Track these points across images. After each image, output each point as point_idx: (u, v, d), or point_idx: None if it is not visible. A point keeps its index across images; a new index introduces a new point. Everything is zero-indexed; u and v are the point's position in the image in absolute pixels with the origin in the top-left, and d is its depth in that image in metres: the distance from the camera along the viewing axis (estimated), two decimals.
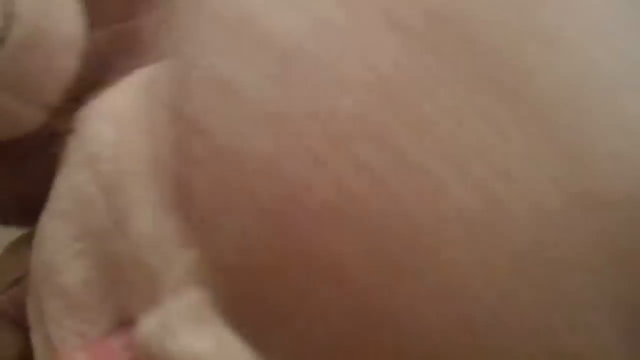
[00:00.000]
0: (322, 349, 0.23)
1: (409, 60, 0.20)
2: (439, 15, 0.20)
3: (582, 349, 0.21)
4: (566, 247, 0.21)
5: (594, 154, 0.22)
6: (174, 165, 0.26)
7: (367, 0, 0.21)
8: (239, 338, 0.27)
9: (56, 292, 0.36)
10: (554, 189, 0.21)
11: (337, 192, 0.21)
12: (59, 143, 0.38)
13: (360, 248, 0.21)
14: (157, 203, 0.32)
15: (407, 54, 0.20)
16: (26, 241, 0.43)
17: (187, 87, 0.24)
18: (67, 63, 0.36)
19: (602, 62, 0.23)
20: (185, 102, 0.24)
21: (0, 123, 0.36)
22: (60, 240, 0.36)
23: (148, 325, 0.31)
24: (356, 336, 0.22)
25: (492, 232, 0.21)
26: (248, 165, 0.22)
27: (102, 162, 0.35)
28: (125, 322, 0.36)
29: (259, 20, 0.21)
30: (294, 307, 0.24)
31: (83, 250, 0.35)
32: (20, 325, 0.39)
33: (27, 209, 0.41)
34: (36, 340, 0.38)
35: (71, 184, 0.37)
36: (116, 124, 0.36)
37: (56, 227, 0.37)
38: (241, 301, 0.26)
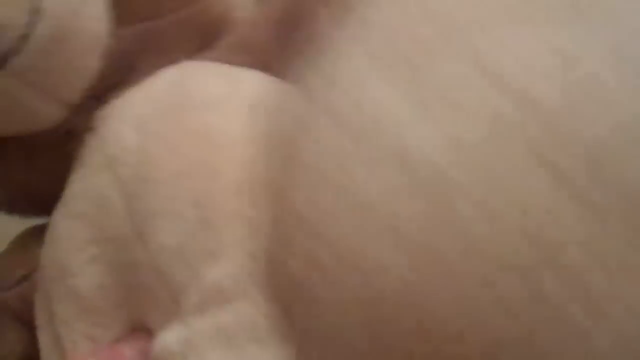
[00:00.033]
0: None
1: (565, 212, 0.19)
2: (600, 165, 0.19)
3: None
4: None
5: None
6: (262, 233, 0.25)
7: (513, 131, 0.20)
8: None
9: (69, 295, 0.36)
10: None
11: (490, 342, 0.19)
12: (76, 140, 0.37)
13: None
14: (187, 219, 0.32)
15: (564, 205, 0.19)
16: (34, 236, 0.43)
17: (298, 178, 0.23)
18: (90, 61, 0.35)
19: None
20: (294, 193, 0.23)
21: (19, 118, 0.35)
22: (75, 242, 0.36)
23: (169, 339, 0.31)
24: None
25: None
26: (376, 282, 0.20)
27: (123, 167, 0.35)
28: (136, 328, 0.35)
29: (390, 129, 0.20)
30: None
31: (99, 255, 0.35)
32: (26, 322, 0.39)
33: (35, 201, 0.41)
34: (44, 339, 0.37)
35: (89, 185, 0.36)
36: (139, 129, 0.35)
37: (71, 228, 0.36)
38: None
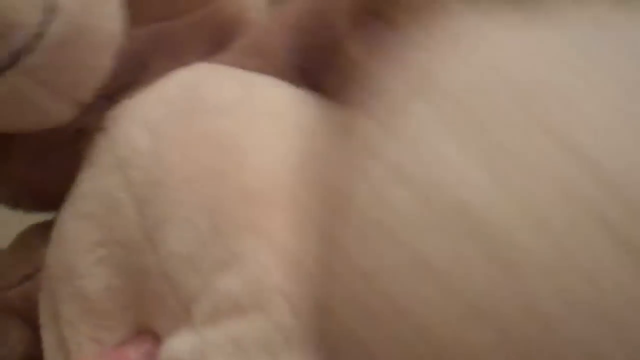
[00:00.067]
0: None
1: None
2: None
3: None
4: None
5: None
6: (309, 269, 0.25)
7: (587, 204, 0.19)
8: None
9: (75, 296, 0.35)
10: None
11: None
12: (85, 139, 0.37)
13: None
14: (198, 226, 0.31)
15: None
16: (37, 234, 0.42)
17: (354, 228, 0.22)
18: (103, 60, 0.34)
19: None
20: (349, 243, 0.22)
21: (29, 115, 0.35)
22: (83, 243, 0.35)
23: (179, 347, 0.31)
24: None
25: None
26: (444, 354, 0.20)
27: (134, 169, 0.35)
28: (142, 331, 0.35)
29: (460, 192, 0.20)
30: None
31: (107, 257, 0.35)
32: (30, 321, 0.39)
33: (40, 198, 0.41)
34: (48, 340, 0.37)
35: (98, 186, 0.36)
36: (151, 133, 0.35)
37: (79, 228, 0.36)
38: None
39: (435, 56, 0.23)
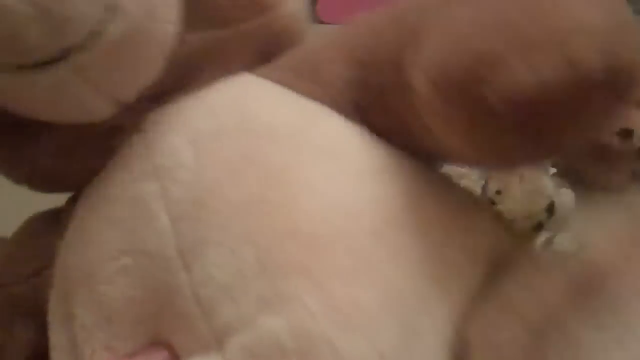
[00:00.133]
0: None
1: None
2: None
3: None
4: None
5: None
6: None
7: None
8: None
9: (93, 302, 0.35)
10: None
11: None
12: (118, 138, 0.36)
13: None
14: (242, 257, 0.31)
15: None
16: (41, 224, 0.41)
17: None
18: (154, 63, 0.33)
19: None
20: None
21: (68, 109, 0.33)
22: (107, 249, 0.34)
23: None
24: None
25: None
26: None
27: (174, 182, 0.34)
28: (155, 343, 0.35)
29: None
30: None
31: (131, 267, 0.34)
32: (36, 318, 0.37)
33: (55, 183, 0.39)
34: (58, 341, 0.36)
35: (131, 192, 0.35)
36: (195, 146, 0.34)
37: (105, 233, 0.35)
38: None
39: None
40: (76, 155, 0.36)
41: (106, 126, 0.34)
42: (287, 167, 0.33)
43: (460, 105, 0.27)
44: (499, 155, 0.29)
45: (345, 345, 0.29)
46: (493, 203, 0.58)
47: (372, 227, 0.31)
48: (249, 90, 0.36)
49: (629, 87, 0.26)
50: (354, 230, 0.31)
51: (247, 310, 0.30)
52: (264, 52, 0.38)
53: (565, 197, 0.61)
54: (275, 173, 0.33)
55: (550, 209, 0.59)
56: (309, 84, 0.36)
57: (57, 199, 0.41)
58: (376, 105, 0.34)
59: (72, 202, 0.39)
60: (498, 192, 0.58)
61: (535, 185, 0.60)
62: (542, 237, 0.59)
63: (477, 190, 0.58)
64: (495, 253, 0.34)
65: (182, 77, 0.35)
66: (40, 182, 0.39)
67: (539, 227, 0.59)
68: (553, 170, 0.63)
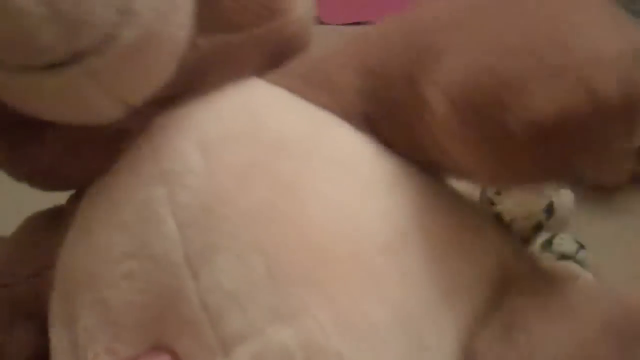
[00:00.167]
0: None
1: None
2: None
3: None
4: None
5: None
6: None
7: None
8: None
9: (96, 305, 0.34)
10: None
11: None
12: (124, 140, 0.36)
13: None
14: (252, 265, 0.31)
15: None
16: (41, 224, 0.41)
17: None
18: (166, 67, 0.33)
19: None
20: None
21: (76, 110, 0.33)
22: (112, 252, 0.34)
23: None
24: None
25: None
26: None
27: (182, 188, 0.34)
28: (157, 347, 0.35)
29: None
30: None
31: (137, 271, 0.34)
32: (36, 320, 0.38)
33: (57, 181, 0.39)
34: (59, 342, 0.36)
35: (138, 196, 0.34)
36: (204, 152, 0.34)
37: (110, 236, 0.35)
38: None
39: None
40: (81, 155, 0.36)
41: (113, 128, 0.34)
42: (297, 177, 0.33)
43: (478, 127, 0.27)
44: (513, 176, 0.29)
45: (354, 359, 0.29)
46: (492, 203, 0.59)
47: (382, 241, 0.32)
48: (259, 96, 0.36)
49: None
50: (365, 244, 0.31)
51: (256, 320, 0.30)
52: (274, 57, 0.37)
53: (565, 197, 0.61)
54: (285, 182, 0.32)
55: (550, 209, 0.60)
56: (319, 92, 0.36)
57: (57, 198, 0.40)
58: (387, 117, 0.34)
59: (74, 200, 0.39)
60: (497, 193, 0.59)
61: None
62: (541, 238, 0.59)
63: (477, 190, 0.58)
64: (500, 269, 0.34)
65: (191, 81, 0.35)
66: (43, 181, 0.39)
67: (538, 227, 0.60)
68: None
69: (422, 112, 0.31)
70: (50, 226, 0.40)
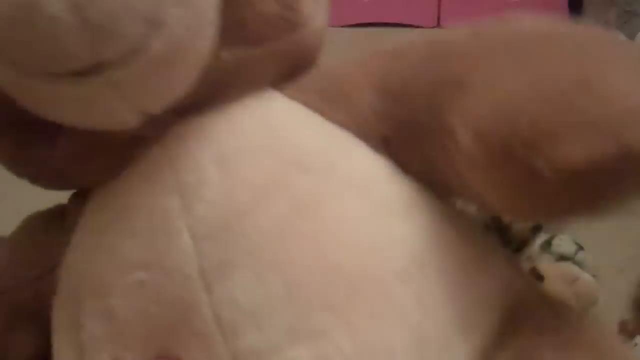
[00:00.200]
0: None
1: None
2: None
3: None
4: None
5: None
6: None
7: None
8: None
9: (104, 313, 0.34)
10: None
11: None
12: (138, 147, 0.35)
13: None
14: (269, 283, 0.31)
15: None
16: (42, 225, 0.41)
17: None
18: (188, 78, 0.33)
19: None
20: None
21: (94, 116, 0.32)
22: (122, 261, 0.34)
23: None
24: None
25: None
26: None
27: (199, 200, 0.34)
28: (163, 355, 0.35)
29: None
30: None
31: (147, 282, 0.34)
32: (37, 321, 0.38)
33: (63, 182, 0.38)
34: (63, 348, 0.36)
35: (152, 205, 0.34)
36: (221, 165, 0.34)
37: (120, 244, 0.35)
38: None
39: None
40: (92, 160, 0.36)
41: (128, 135, 0.34)
42: (316, 196, 0.33)
43: (505, 165, 0.28)
44: (535, 213, 0.31)
45: None
46: None
47: (400, 266, 0.32)
48: (277, 111, 0.36)
49: None
50: (383, 270, 0.32)
51: (274, 339, 0.31)
52: (289, 68, 0.38)
53: None
54: (304, 200, 0.33)
55: None
56: (336, 109, 0.36)
57: (57, 197, 0.40)
58: (405, 139, 0.35)
59: (76, 200, 0.39)
60: None
61: None
62: (540, 239, 0.60)
63: None
64: (509, 295, 0.35)
65: (211, 92, 0.35)
66: (48, 180, 0.38)
67: (537, 228, 0.60)
68: None
69: (444, 140, 0.31)
70: (52, 227, 0.39)
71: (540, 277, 0.54)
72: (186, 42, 0.31)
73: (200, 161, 0.34)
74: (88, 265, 0.35)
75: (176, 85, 0.33)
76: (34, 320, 0.38)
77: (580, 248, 0.59)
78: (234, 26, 0.34)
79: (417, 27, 1.69)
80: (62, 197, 0.40)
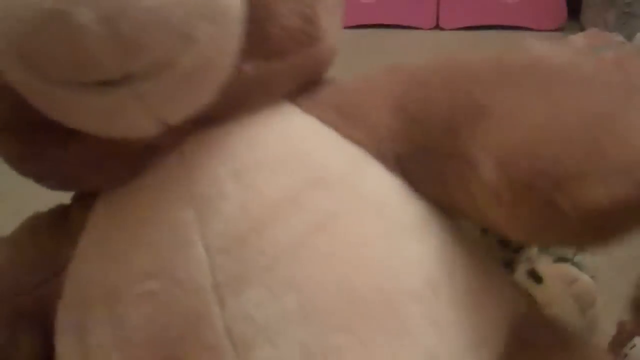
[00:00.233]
0: None
1: None
2: None
3: None
4: None
5: None
6: None
7: None
8: None
9: (112, 322, 0.35)
10: None
11: None
12: (152, 156, 0.35)
13: None
14: (284, 301, 0.32)
15: None
16: (44, 226, 0.40)
17: None
18: (210, 91, 0.33)
19: None
20: None
21: (114, 125, 0.32)
22: (133, 270, 0.34)
23: None
24: None
25: None
26: None
27: (215, 214, 0.34)
28: None
29: None
30: None
31: (159, 292, 0.34)
32: (40, 325, 0.38)
33: (70, 184, 0.38)
34: (65, 349, 0.36)
35: (167, 216, 0.34)
36: (240, 179, 0.34)
37: (131, 253, 0.35)
38: None
39: None
40: (104, 165, 0.36)
41: (143, 143, 0.34)
42: (335, 216, 0.33)
43: (528, 202, 0.29)
44: (552, 243, 0.31)
45: None
46: None
47: (414, 287, 0.33)
48: (295, 126, 0.36)
49: None
50: (397, 290, 0.32)
51: (287, 355, 0.31)
52: (305, 80, 0.38)
53: None
54: (321, 219, 0.33)
55: None
56: (353, 126, 0.36)
57: (56, 196, 0.40)
58: (420, 162, 0.35)
59: (79, 202, 0.39)
60: None
61: None
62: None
63: None
64: (514, 315, 0.36)
65: (230, 104, 0.35)
66: (55, 181, 0.38)
67: None
68: None
69: (463, 168, 0.32)
70: (55, 229, 0.39)
71: (539, 278, 0.54)
72: (213, 57, 0.31)
73: (217, 174, 0.34)
74: (97, 272, 0.35)
75: (199, 98, 0.33)
76: (37, 323, 0.38)
77: None
78: (258, 40, 0.34)
79: (416, 28, 1.70)
80: (62, 196, 0.40)
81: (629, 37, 1.13)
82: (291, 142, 0.35)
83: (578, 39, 1.06)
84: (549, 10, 1.69)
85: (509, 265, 0.49)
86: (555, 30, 1.65)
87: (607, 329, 0.53)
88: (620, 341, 0.50)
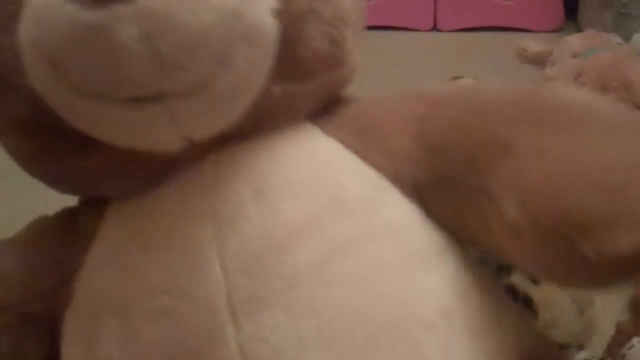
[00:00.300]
0: None
1: None
2: None
3: None
4: None
5: None
6: None
7: None
8: None
9: (124, 336, 0.34)
10: None
11: None
12: (174, 170, 0.35)
13: None
14: (301, 325, 0.32)
15: None
16: (52, 231, 0.40)
17: None
18: (239, 112, 0.33)
19: None
20: None
21: (141, 139, 0.32)
22: (148, 284, 0.34)
23: None
24: None
25: None
26: None
27: (234, 233, 0.34)
28: None
29: None
30: None
31: (172, 309, 0.34)
32: (46, 332, 0.38)
33: (84, 189, 0.38)
34: (71, 359, 0.36)
35: (184, 231, 0.34)
36: (261, 199, 0.34)
37: (146, 267, 0.35)
38: None
39: None
40: (123, 176, 0.36)
41: (165, 156, 0.34)
42: (354, 240, 0.34)
43: (551, 243, 0.29)
44: (568, 282, 0.34)
45: None
46: None
47: (428, 317, 0.33)
48: (320, 149, 0.36)
49: None
50: (411, 319, 0.33)
51: None
52: (327, 101, 0.38)
53: None
54: (342, 243, 0.33)
55: None
56: (374, 150, 0.36)
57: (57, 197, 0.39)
58: (438, 189, 0.35)
59: (89, 209, 0.38)
60: None
61: None
62: None
63: None
64: (523, 343, 0.37)
65: (254, 123, 0.35)
66: (68, 186, 0.38)
67: None
68: None
69: (484, 202, 0.32)
70: (63, 234, 0.39)
71: (537, 279, 0.54)
72: (248, 79, 0.32)
73: (238, 192, 0.34)
74: (110, 283, 0.36)
75: (228, 118, 0.33)
76: (44, 330, 0.38)
77: None
78: (287, 62, 0.34)
79: (414, 30, 1.71)
80: (67, 198, 0.40)
81: (626, 38, 1.14)
82: (314, 165, 0.36)
83: (575, 40, 1.07)
84: (547, 11, 1.70)
85: (507, 267, 0.49)
86: (553, 31, 1.66)
87: (605, 330, 0.53)
88: (618, 341, 0.50)
